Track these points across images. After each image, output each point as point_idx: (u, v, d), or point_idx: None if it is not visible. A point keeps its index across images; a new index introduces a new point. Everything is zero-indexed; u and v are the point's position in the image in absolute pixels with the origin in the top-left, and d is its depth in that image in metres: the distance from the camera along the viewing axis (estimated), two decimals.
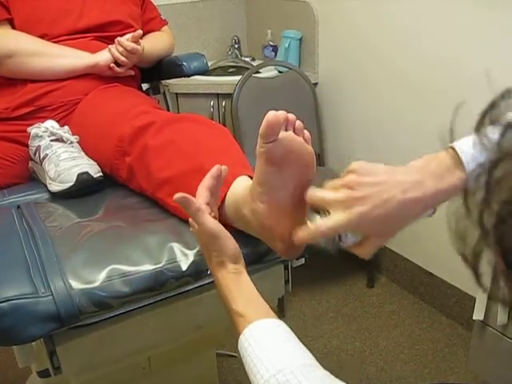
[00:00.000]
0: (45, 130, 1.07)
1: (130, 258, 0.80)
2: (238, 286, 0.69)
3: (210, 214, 0.73)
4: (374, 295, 2.00)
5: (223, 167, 0.76)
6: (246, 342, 0.62)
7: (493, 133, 0.38)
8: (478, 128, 0.39)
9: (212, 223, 0.71)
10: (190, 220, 0.74)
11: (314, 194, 0.67)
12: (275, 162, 0.68)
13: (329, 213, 0.64)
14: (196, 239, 0.76)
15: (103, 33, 1.33)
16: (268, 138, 0.66)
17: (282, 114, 0.66)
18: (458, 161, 0.59)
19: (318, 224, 0.64)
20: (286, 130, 0.68)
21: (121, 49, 1.26)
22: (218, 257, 0.70)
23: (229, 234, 0.72)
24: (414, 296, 1.98)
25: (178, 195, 0.70)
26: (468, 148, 0.58)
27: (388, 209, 0.60)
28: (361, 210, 0.61)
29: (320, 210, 0.67)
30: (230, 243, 0.71)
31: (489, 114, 0.39)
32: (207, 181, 0.75)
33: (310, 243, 0.68)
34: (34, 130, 1.09)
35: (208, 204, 0.73)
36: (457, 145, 0.60)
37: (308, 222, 0.68)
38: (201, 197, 0.73)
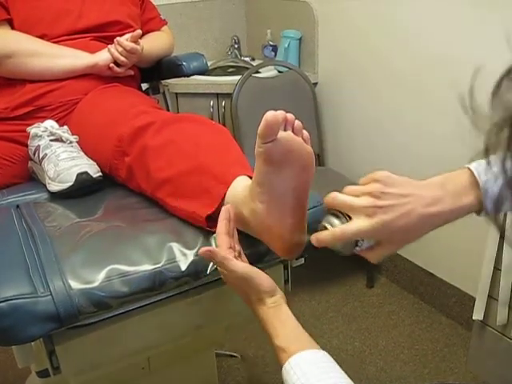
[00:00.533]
0: (44, 129, 1.07)
1: (130, 258, 0.80)
2: (279, 320, 0.70)
3: (235, 252, 0.74)
4: (373, 295, 2.00)
5: (229, 206, 0.77)
6: (292, 371, 0.63)
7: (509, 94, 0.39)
8: (496, 92, 0.40)
9: (241, 267, 0.72)
10: (219, 268, 0.76)
11: (337, 197, 0.67)
12: (274, 161, 0.68)
13: (349, 217, 0.65)
14: (227, 282, 0.77)
15: (102, 33, 1.33)
16: (267, 137, 0.66)
17: (280, 113, 0.66)
18: (474, 182, 0.63)
19: (343, 228, 0.66)
20: (285, 129, 0.68)
21: (120, 49, 1.26)
22: (255, 295, 0.71)
23: (259, 270, 0.72)
24: (413, 296, 1.97)
25: (202, 251, 0.73)
26: (483, 170, 0.63)
27: (409, 220, 0.64)
28: (384, 218, 0.63)
29: (338, 213, 0.67)
30: (263, 279, 0.72)
31: (506, 78, 0.40)
32: (221, 227, 0.75)
33: (328, 246, 0.68)
34: (33, 129, 1.09)
35: (230, 247, 0.74)
36: (473, 166, 0.64)
37: (326, 224, 0.68)
38: (223, 244, 0.74)
